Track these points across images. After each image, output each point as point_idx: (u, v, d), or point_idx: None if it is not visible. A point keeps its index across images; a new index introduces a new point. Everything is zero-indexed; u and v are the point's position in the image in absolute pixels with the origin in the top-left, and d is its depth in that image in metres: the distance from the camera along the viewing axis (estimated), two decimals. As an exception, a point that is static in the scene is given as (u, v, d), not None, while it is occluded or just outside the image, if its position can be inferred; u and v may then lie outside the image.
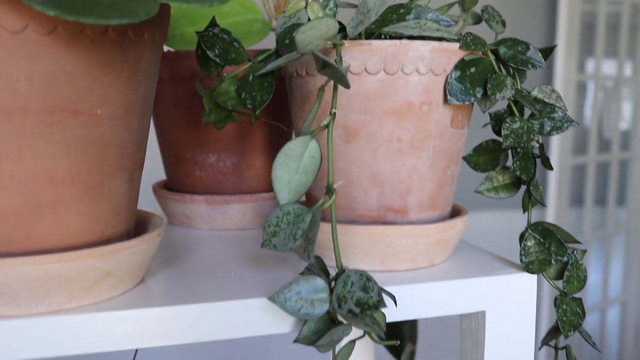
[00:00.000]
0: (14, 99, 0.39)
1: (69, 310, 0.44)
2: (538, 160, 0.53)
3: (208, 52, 0.52)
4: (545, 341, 0.55)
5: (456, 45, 0.50)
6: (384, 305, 0.42)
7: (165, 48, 0.73)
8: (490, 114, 0.54)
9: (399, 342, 0.47)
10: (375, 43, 0.49)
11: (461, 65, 0.51)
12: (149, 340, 0.45)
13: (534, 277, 0.52)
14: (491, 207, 2.52)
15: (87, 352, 0.44)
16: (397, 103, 0.50)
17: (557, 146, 2.43)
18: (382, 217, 0.52)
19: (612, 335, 2.87)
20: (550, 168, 0.52)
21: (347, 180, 0.52)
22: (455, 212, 0.58)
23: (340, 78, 0.44)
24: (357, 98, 0.50)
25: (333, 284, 0.44)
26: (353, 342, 0.48)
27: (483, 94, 0.51)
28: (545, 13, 2.48)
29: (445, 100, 0.51)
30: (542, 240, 0.52)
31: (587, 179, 2.62)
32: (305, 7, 0.53)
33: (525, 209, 0.55)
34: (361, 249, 0.51)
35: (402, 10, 0.52)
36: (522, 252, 0.52)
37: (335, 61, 0.48)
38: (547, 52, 0.53)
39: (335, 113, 0.46)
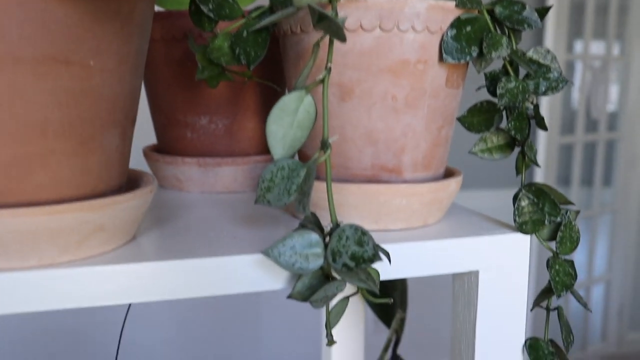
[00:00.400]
0: (5, 47, 0.38)
1: (60, 264, 0.43)
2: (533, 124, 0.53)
3: (202, 7, 0.51)
4: (537, 302, 0.55)
5: (452, 3, 0.50)
6: (379, 259, 0.42)
7: (157, 8, 0.72)
8: (485, 74, 0.54)
9: (392, 300, 0.46)
10: (371, -1, 0.48)
11: (457, 23, 0.50)
12: (141, 295, 0.44)
13: (527, 237, 0.52)
14: (484, 185, 2.53)
15: (79, 307, 0.43)
16: (392, 60, 0.49)
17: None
18: (376, 177, 0.52)
19: (596, 313, 2.90)
20: (545, 129, 0.52)
21: (342, 138, 0.52)
22: (448, 174, 0.58)
23: (336, 31, 0.43)
24: (352, 55, 0.50)
25: (327, 239, 0.44)
26: (347, 298, 0.48)
27: (478, 53, 0.50)
28: (536, -8, 2.47)
29: (441, 58, 0.50)
30: (535, 200, 0.52)
31: (574, 159, 2.63)
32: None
33: (518, 170, 0.55)
34: (355, 208, 0.51)
35: (398, -32, 0.52)
36: (516, 212, 0.52)
37: (331, 16, 0.47)
38: (543, 12, 0.53)
39: (330, 68, 0.45)
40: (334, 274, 0.45)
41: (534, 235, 0.53)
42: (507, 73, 0.52)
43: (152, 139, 0.77)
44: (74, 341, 2.23)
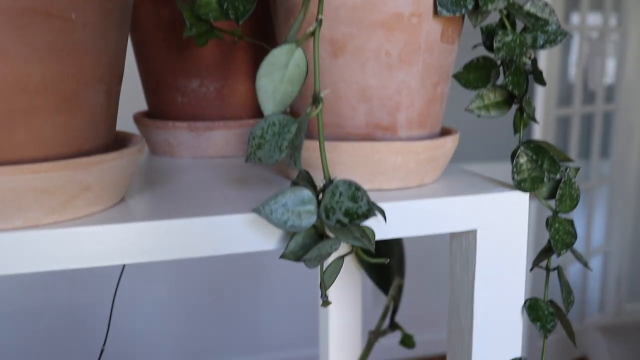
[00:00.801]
0: (-19, -3, 0.37)
1: (46, 225, 0.42)
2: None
3: (188, -39, 0.49)
4: (537, 262, 0.54)
5: (447, -46, 0.48)
6: (374, 215, 0.41)
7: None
8: (481, 29, 0.52)
9: (388, 260, 0.45)
10: (363, -51, 0.47)
11: (452, -25, 0.49)
12: (130, 256, 0.43)
13: (526, 195, 0.51)
14: (479, 159, 2.52)
15: (66, 268, 0.42)
16: (385, 14, 0.48)
17: (542, 97, 2.42)
18: (371, 135, 0.51)
19: (594, 284, 2.91)
20: (543, 83, 0.50)
21: (335, 96, 0.50)
22: (444, 133, 0.56)
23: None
24: (344, 9, 0.48)
25: (321, 196, 0.42)
26: (341, 258, 0.46)
27: (474, 6, 0.49)
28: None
29: (435, 11, 0.49)
30: (534, 157, 0.51)
31: (572, 131, 2.61)
32: None
33: (516, 128, 0.53)
34: (349, 167, 0.50)
35: None
36: (514, 170, 0.51)
37: (322, -33, 0.46)
38: (541, -36, 0.51)
39: (321, 20, 0.44)
40: (328, 233, 0.44)
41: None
42: (503, 26, 0.51)
43: (143, 107, 0.75)
44: (68, 311, 2.22)
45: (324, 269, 0.46)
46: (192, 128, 0.65)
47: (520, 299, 0.54)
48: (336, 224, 0.41)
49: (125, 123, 0.64)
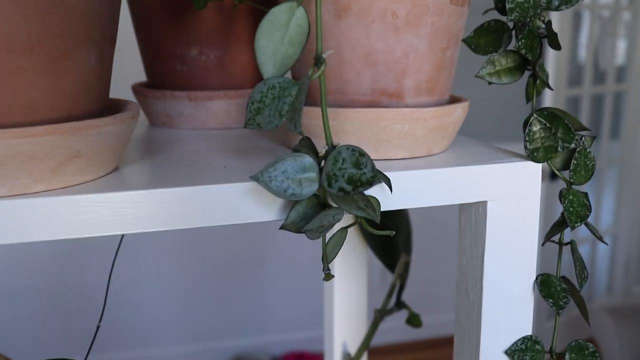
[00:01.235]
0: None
1: (34, 194, 0.40)
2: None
3: None
4: (549, 236, 0.52)
5: None
6: (378, 182, 0.38)
7: None
8: (493, -11, 0.50)
9: (394, 232, 0.43)
10: None
11: None
12: (123, 227, 0.41)
13: (539, 165, 0.49)
14: (492, 139, 2.49)
15: (55, 239, 0.40)
16: (392, -27, 0.45)
17: (552, 77, 2.38)
18: (376, 102, 0.48)
19: (602, 266, 2.88)
20: (559, 47, 0.48)
21: (338, 61, 0.48)
22: (453, 101, 0.54)
23: None
24: (348, -32, 0.45)
25: (323, 163, 0.40)
26: (345, 229, 0.44)
27: (486, -34, 0.46)
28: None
29: (445, -29, 0.46)
30: (548, 125, 0.48)
31: (582, 112, 2.58)
32: None
33: (529, 95, 0.51)
34: (353, 135, 0.47)
35: None
36: (527, 139, 0.48)
37: None
38: None
39: (324, -24, 0.41)
40: (331, 202, 0.42)
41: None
42: (517, -13, 0.48)
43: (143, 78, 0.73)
44: (73, 286, 2.22)
45: (327, 241, 0.43)
46: (192, 98, 0.62)
47: (532, 274, 0.51)
48: (339, 192, 0.39)
49: (124, 93, 0.62)
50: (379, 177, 0.38)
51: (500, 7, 0.49)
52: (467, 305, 0.53)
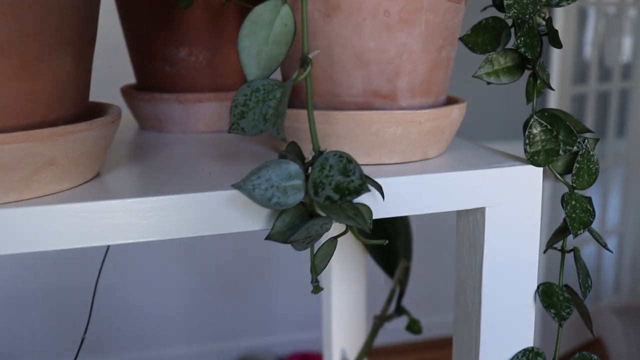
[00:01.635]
0: None
1: (5, 204, 0.38)
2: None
3: None
4: (551, 243, 0.49)
5: None
6: (367, 190, 0.36)
7: None
8: (491, -15, 0.48)
9: (386, 241, 0.41)
10: None
11: None
12: (100, 238, 0.39)
13: (540, 169, 0.47)
14: (491, 139, 2.47)
15: (27, 251, 0.38)
16: (384, -31, 0.43)
17: (557, 75, 2.35)
18: (368, 104, 0.46)
19: (608, 266, 2.85)
20: (559, 45, 0.45)
21: (328, 61, 0.46)
22: (450, 102, 0.52)
23: None
24: (338, -36, 0.43)
25: (309, 170, 0.38)
26: (335, 239, 0.42)
27: (483, -40, 0.44)
28: None
29: (440, -34, 0.44)
30: (549, 127, 0.46)
31: (587, 110, 2.55)
32: None
33: (529, 95, 0.49)
34: (344, 139, 0.45)
35: None
36: (527, 142, 0.46)
37: None
38: None
39: (311, -27, 0.39)
40: (319, 211, 0.40)
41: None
42: (515, -17, 0.46)
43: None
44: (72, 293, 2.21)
45: (315, 251, 0.41)
46: (181, 100, 0.60)
47: (532, 283, 0.49)
48: (325, 200, 0.37)
49: (113, 97, 0.60)
50: (367, 185, 0.36)
51: (499, 4, 0.47)
52: (466, 316, 0.51)
